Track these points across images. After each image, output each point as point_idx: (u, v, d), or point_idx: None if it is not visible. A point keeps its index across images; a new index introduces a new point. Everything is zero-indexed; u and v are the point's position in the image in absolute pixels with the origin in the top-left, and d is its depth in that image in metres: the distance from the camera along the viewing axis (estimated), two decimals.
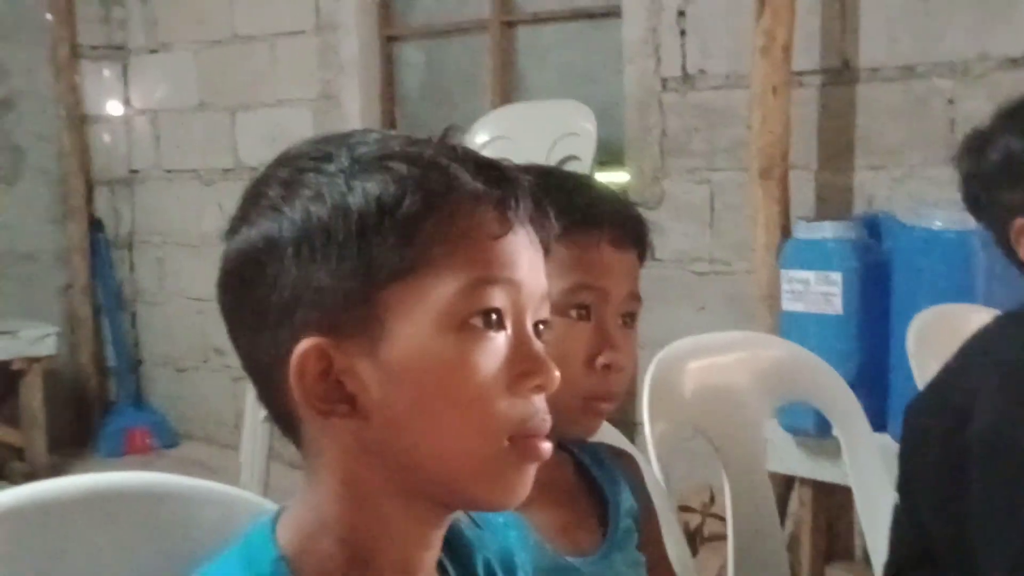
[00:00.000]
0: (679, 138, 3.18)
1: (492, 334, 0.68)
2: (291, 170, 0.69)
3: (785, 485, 2.76)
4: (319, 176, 0.68)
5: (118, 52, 4.73)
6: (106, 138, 4.74)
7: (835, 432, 1.59)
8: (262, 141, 4.18)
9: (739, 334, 1.71)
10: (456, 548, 0.78)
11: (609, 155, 3.29)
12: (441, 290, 0.67)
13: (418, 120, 3.95)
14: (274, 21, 4.17)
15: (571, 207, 1.02)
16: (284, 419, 0.70)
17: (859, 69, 2.85)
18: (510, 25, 3.72)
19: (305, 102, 4.09)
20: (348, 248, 0.66)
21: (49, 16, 4.50)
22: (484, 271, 0.68)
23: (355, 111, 3.94)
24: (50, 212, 4.58)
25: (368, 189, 0.66)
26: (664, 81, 3.20)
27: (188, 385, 4.65)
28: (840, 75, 2.88)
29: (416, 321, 0.66)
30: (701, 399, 1.42)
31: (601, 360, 1.01)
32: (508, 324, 0.69)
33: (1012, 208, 1.15)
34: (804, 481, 2.67)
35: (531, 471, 0.70)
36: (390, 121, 3.98)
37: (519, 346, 0.69)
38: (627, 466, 1.14)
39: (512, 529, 0.99)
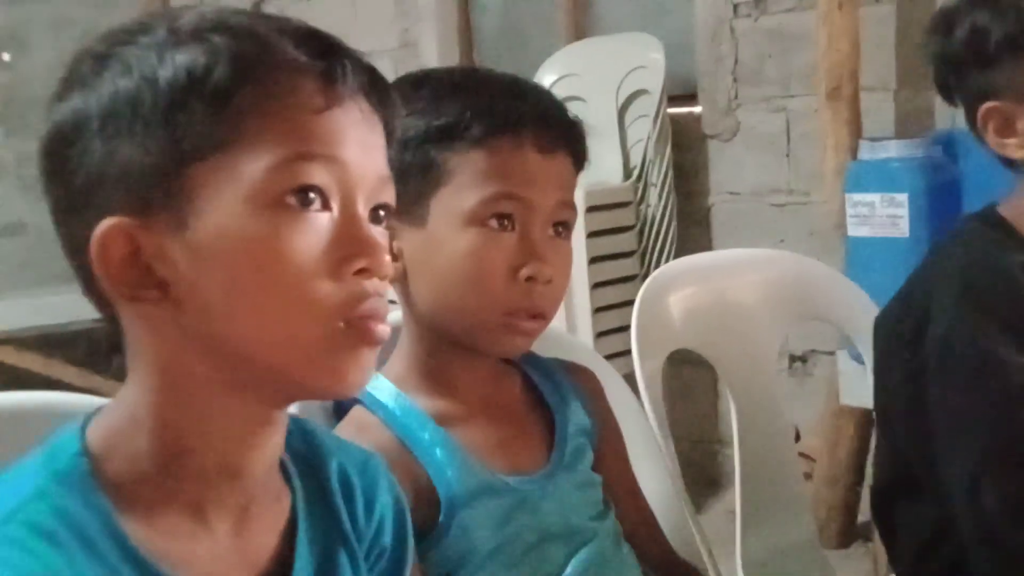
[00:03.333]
0: (752, 65, 3.06)
1: (312, 214, 0.65)
2: (107, 44, 0.66)
3: (866, 419, 2.65)
4: (132, 49, 0.65)
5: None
6: None
7: (861, 352, 1.50)
8: None
9: (740, 252, 1.63)
10: (305, 451, 0.76)
11: (683, 87, 3.19)
12: (253, 166, 0.63)
13: (496, 64, 3.90)
14: None
15: (490, 110, 0.97)
16: (104, 309, 0.68)
17: None
18: None
19: (385, 52, 4.08)
20: (154, 122, 0.63)
21: None
22: (301, 146, 0.64)
23: (433, 58, 3.92)
24: None
25: (178, 60, 0.63)
26: (736, 6, 3.07)
27: None
28: None
29: (227, 199, 0.63)
30: (697, 324, 1.34)
31: (525, 272, 0.96)
32: (334, 205, 0.66)
33: (980, 92, 1.05)
34: None
35: (366, 356, 0.67)
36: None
37: (345, 227, 0.66)
38: (583, 382, 1.09)
39: (438, 447, 0.95)
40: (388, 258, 0.67)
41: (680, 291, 1.35)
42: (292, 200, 0.64)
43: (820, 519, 2.72)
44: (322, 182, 0.65)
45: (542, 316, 0.99)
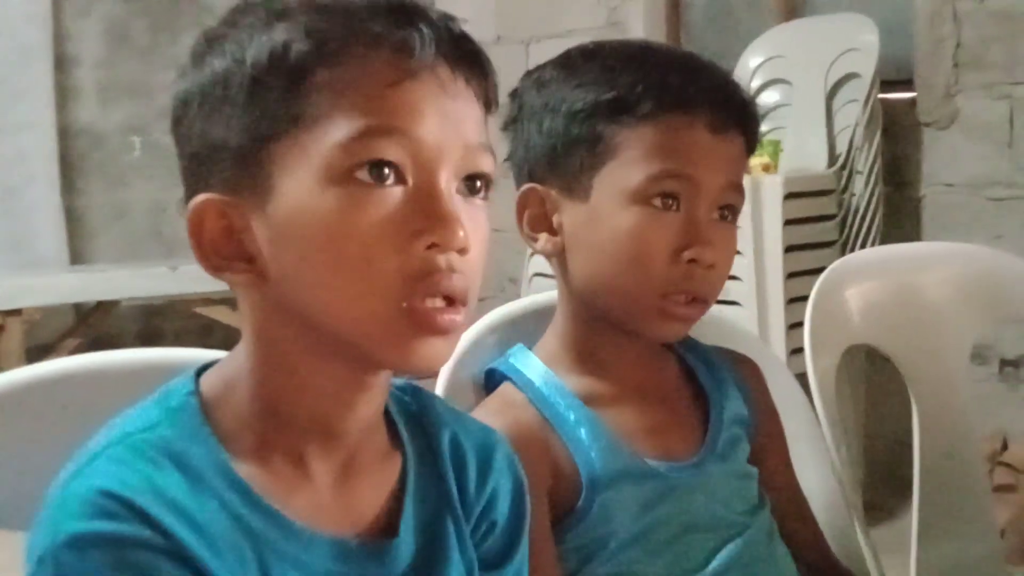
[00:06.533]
0: (975, 49, 2.87)
1: (385, 189, 0.64)
2: (220, 26, 0.69)
3: None
4: (233, 31, 0.67)
5: None
6: None
7: None
8: None
9: (927, 245, 1.53)
10: (418, 415, 0.76)
11: (898, 72, 3.03)
12: (324, 141, 0.64)
13: (703, 45, 3.82)
14: None
15: (663, 86, 0.94)
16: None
17: None
18: None
19: (592, 30, 4.06)
20: (239, 101, 0.65)
21: None
22: (372, 120, 0.64)
23: (639, 37, 3.87)
24: None
25: (263, 40, 0.65)
26: None
27: None
28: None
29: (300, 176, 0.64)
30: (878, 319, 1.27)
31: (687, 254, 0.92)
32: (410, 179, 0.65)
33: None
34: None
35: (435, 343, 0.66)
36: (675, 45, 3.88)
37: (417, 201, 0.65)
38: (744, 371, 1.05)
39: (583, 427, 0.94)
40: (461, 232, 0.65)
41: (860, 285, 1.28)
42: (364, 175, 0.64)
43: (1022, 532, 2.55)
44: (395, 156, 0.64)
45: (702, 301, 0.95)
